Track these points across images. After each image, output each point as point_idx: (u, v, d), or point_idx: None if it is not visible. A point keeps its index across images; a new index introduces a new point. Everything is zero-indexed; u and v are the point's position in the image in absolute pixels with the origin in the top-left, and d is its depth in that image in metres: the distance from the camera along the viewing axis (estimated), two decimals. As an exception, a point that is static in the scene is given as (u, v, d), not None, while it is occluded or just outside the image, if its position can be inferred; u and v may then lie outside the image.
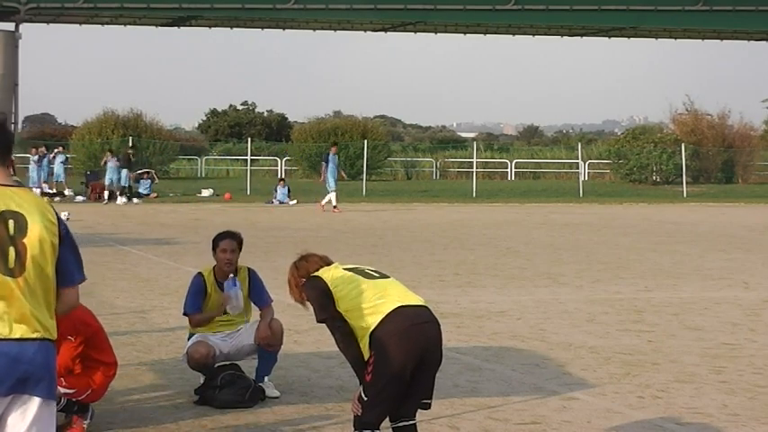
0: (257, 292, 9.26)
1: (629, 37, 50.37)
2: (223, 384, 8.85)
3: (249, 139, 57.37)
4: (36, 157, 42.28)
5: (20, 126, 57.29)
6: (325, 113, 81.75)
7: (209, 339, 9.15)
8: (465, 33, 50.43)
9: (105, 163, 41.56)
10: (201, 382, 9.06)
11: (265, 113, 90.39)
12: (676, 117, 67.18)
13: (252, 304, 9.39)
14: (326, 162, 36.60)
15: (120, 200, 40.13)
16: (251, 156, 54.45)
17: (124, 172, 41.33)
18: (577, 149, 60.29)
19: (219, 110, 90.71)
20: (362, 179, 49.62)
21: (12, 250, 4.61)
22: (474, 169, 53.71)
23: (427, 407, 6.66)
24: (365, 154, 52.18)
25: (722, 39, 50.40)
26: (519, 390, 9.56)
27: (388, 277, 6.81)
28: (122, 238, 24.52)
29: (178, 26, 46.04)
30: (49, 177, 44.65)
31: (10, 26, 39.64)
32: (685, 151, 54.40)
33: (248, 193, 46.71)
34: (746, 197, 49.03)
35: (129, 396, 9.11)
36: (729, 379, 10.08)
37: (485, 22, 46.66)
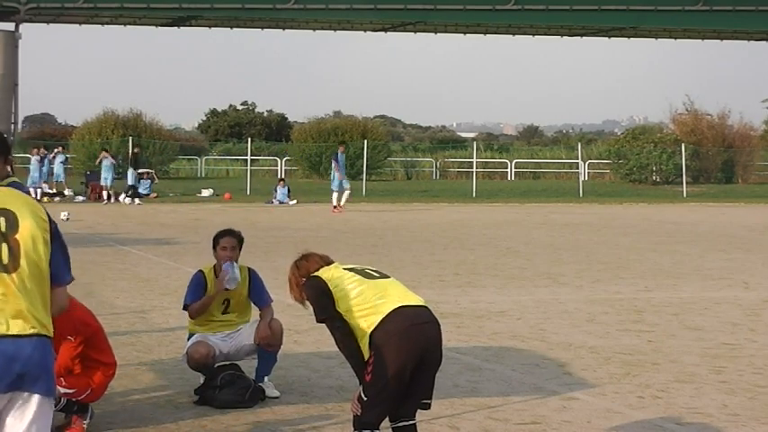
0: (257, 292, 9.27)
1: (629, 37, 50.37)
2: (223, 384, 8.85)
3: (249, 139, 57.38)
4: (38, 158, 42.30)
5: (20, 126, 57.24)
6: (325, 113, 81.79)
7: (209, 340, 9.15)
8: (465, 33, 50.42)
9: (100, 162, 41.60)
10: (201, 382, 9.06)
11: (265, 113, 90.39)
12: (676, 117, 67.21)
13: (252, 304, 9.40)
14: (337, 161, 36.61)
15: (127, 199, 40.17)
16: (251, 156, 54.45)
17: (130, 171, 41.38)
18: (577, 149, 60.32)
19: (219, 110, 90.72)
20: (362, 179, 49.61)
21: (5, 246, 4.61)
22: (474, 169, 53.73)
23: (427, 407, 6.66)
24: (365, 154, 52.17)
25: (722, 39, 50.40)
26: (519, 390, 9.56)
27: (389, 277, 6.81)
28: (122, 238, 24.51)
29: (178, 26, 46.04)
30: (49, 177, 44.67)
31: (10, 26, 39.64)
32: (685, 151, 54.42)
33: (248, 193, 46.72)
34: (746, 197, 49.04)
35: (129, 396, 9.11)
36: (729, 379, 10.08)
37: (485, 22, 46.66)
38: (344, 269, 6.79)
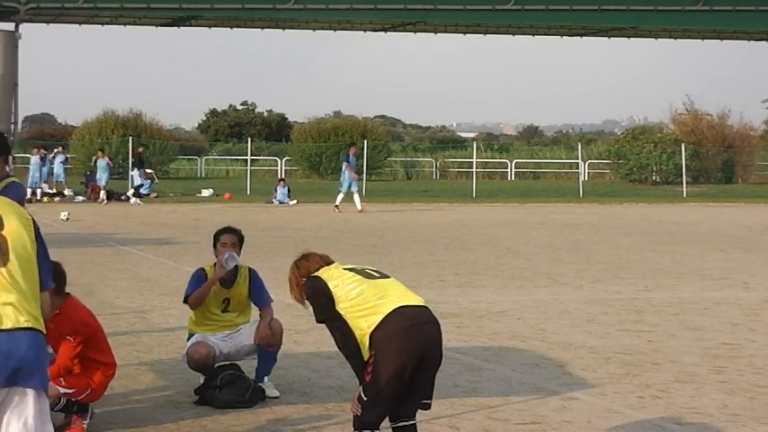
0: (257, 292, 9.27)
1: (629, 37, 50.34)
2: (223, 384, 8.85)
3: (249, 139, 57.39)
4: (38, 158, 42.33)
5: (20, 126, 57.24)
6: (325, 113, 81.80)
7: (209, 340, 9.15)
8: (465, 33, 50.37)
9: (95, 162, 41.62)
10: (201, 382, 9.06)
11: (265, 113, 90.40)
12: (676, 117, 67.23)
13: (252, 305, 9.40)
14: (348, 161, 36.59)
15: (133, 199, 40.22)
16: (251, 156, 54.46)
17: (136, 171, 41.36)
18: (577, 149, 60.32)
19: (219, 110, 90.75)
20: (362, 179, 49.62)
21: None
22: (474, 169, 53.74)
23: (427, 407, 6.66)
24: (365, 154, 52.16)
25: (722, 39, 50.37)
26: (519, 390, 9.56)
27: (389, 277, 6.81)
28: (122, 238, 24.51)
29: (178, 26, 46.02)
30: (49, 177, 44.69)
31: (10, 26, 39.63)
32: (685, 151, 54.42)
33: (248, 193, 46.73)
34: (746, 197, 49.05)
35: (129, 396, 9.11)
36: (729, 379, 10.08)
37: (485, 22, 46.62)
38: (344, 269, 6.80)
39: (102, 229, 27.16)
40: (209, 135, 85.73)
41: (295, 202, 40.92)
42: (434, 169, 70.03)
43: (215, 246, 9.21)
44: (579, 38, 51.92)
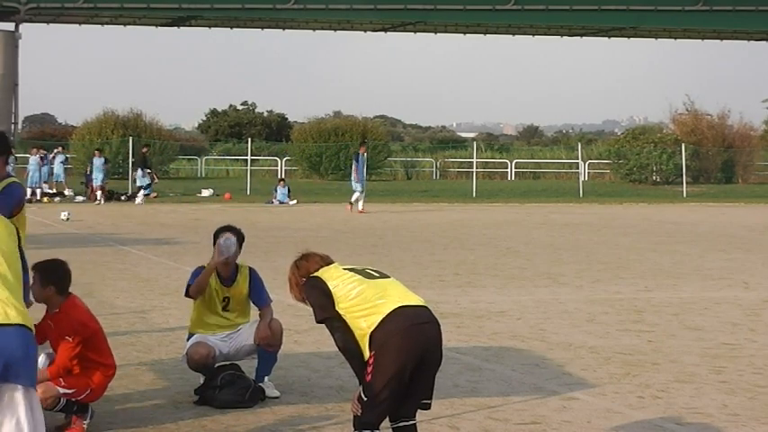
0: (257, 292, 9.27)
1: (629, 37, 50.32)
2: (223, 384, 8.85)
3: (249, 139, 57.39)
4: (37, 158, 42.33)
5: (20, 126, 57.26)
6: (325, 113, 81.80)
7: (209, 340, 9.15)
8: (465, 33, 50.36)
9: (91, 162, 41.65)
10: (201, 382, 9.06)
11: (265, 113, 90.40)
12: (676, 117, 67.25)
13: (252, 305, 9.40)
14: (357, 161, 36.58)
15: (139, 199, 40.24)
16: (251, 156, 54.46)
17: (139, 171, 41.36)
18: (577, 149, 60.32)
19: (219, 110, 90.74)
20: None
21: None
22: (474, 169, 53.74)
23: (427, 407, 6.66)
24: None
25: (722, 39, 50.35)
26: (519, 390, 9.56)
27: (389, 277, 6.81)
28: (122, 238, 24.51)
29: (178, 26, 46.01)
30: (49, 177, 44.71)
31: (10, 26, 39.62)
32: (685, 151, 54.43)
33: (248, 193, 46.73)
34: (746, 197, 49.05)
35: (129, 396, 9.11)
36: (729, 379, 10.09)
37: (485, 22, 46.59)
38: (344, 269, 6.80)
39: (102, 229, 27.16)
40: (209, 135, 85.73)
41: (295, 202, 40.92)
42: (434, 169, 70.04)
43: (215, 244, 9.22)
44: (579, 38, 51.89)
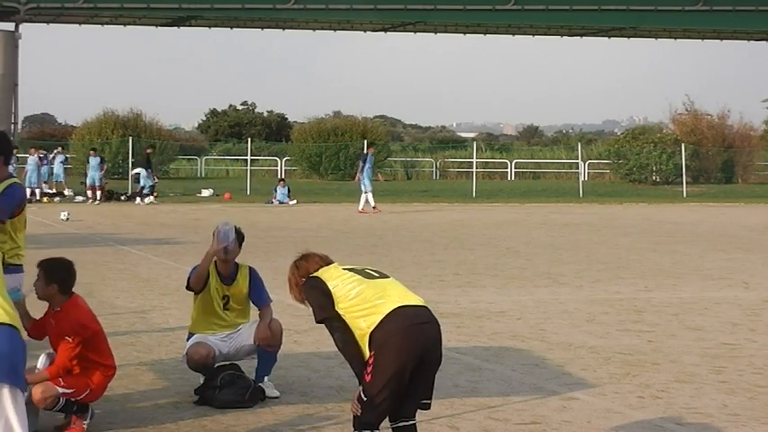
0: (257, 292, 9.27)
1: (629, 37, 50.34)
2: (223, 384, 8.85)
3: (249, 139, 57.39)
4: (35, 158, 42.32)
5: (20, 126, 57.28)
6: (325, 113, 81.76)
7: (209, 340, 9.15)
8: (465, 33, 50.39)
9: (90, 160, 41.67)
10: (201, 382, 9.06)
11: (265, 113, 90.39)
12: (676, 117, 67.24)
13: (251, 305, 9.40)
14: (364, 162, 36.54)
15: (147, 199, 40.26)
16: (251, 156, 54.46)
17: (143, 171, 41.43)
18: (577, 149, 60.32)
19: (219, 110, 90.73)
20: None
21: None
22: (474, 169, 53.73)
23: (427, 407, 6.66)
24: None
25: (722, 39, 50.37)
26: (519, 390, 9.56)
27: (388, 277, 6.80)
28: (122, 238, 24.51)
29: (178, 26, 46.01)
30: (49, 177, 44.70)
31: (10, 26, 39.62)
32: (685, 151, 54.42)
33: (248, 193, 46.73)
34: (746, 197, 49.05)
35: (129, 396, 9.11)
36: (729, 379, 10.09)
37: (485, 22, 46.61)
38: (344, 269, 6.80)
39: (102, 229, 27.16)
40: (209, 135, 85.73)
41: (295, 202, 40.91)
42: (434, 169, 70.03)
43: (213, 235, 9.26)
44: (579, 38, 51.91)
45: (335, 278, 6.69)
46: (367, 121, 67.99)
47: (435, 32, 50.49)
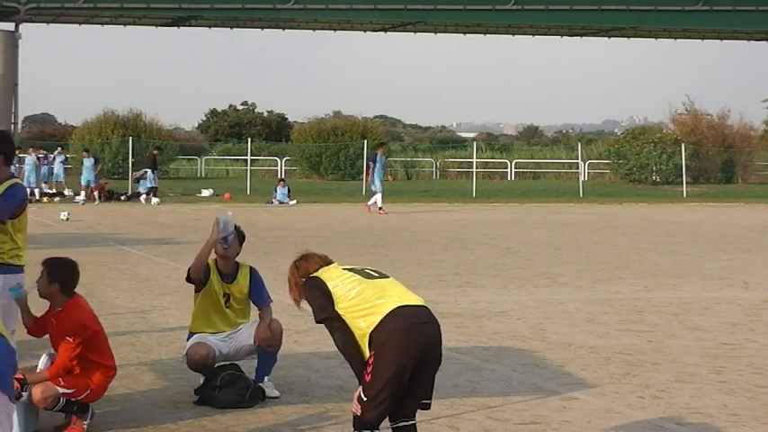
0: (257, 291, 9.28)
1: (629, 37, 50.27)
2: (223, 384, 8.85)
3: (249, 140, 57.39)
4: (34, 158, 42.32)
5: (20, 126, 57.32)
6: (325, 113, 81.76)
7: (209, 340, 9.15)
8: (465, 33, 50.34)
9: (84, 162, 41.70)
10: (201, 382, 9.06)
11: (265, 113, 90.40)
12: (676, 117, 67.25)
13: (251, 305, 9.40)
14: (374, 162, 36.50)
15: (152, 200, 40.30)
16: (251, 156, 54.45)
17: (149, 172, 41.47)
18: (577, 149, 60.32)
19: (219, 110, 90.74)
20: (362, 179, 49.60)
21: None
22: (474, 169, 53.74)
23: (427, 407, 6.66)
24: (365, 154, 52.15)
25: (722, 39, 50.31)
26: (519, 390, 9.56)
27: (388, 277, 6.80)
28: (122, 238, 24.52)
29: (178, 26, 45.95)
30: (49, 177, 44.71)
31: (10, 26, 39.60)
32: (685, 151, 54.42)
33: (248, 193, 46.74)
34: (746, 197, 49.05)
35: (129, 396, 9.11)
36: (729, 379, 10.09)
37: (485, 22, 46.54)
38: (344, 269, 6.80)
39: (102, 229, 27.16)
40: (209, 135, 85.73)
41: (295, 202, 40.92)
42: (434, 169, 70.02)
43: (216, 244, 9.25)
44: (579, 38, 51.85)
45: (335, 278, 6.69)
46: (367, 121, 67.99)
47: (435, 32, 50.46)
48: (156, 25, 47.51)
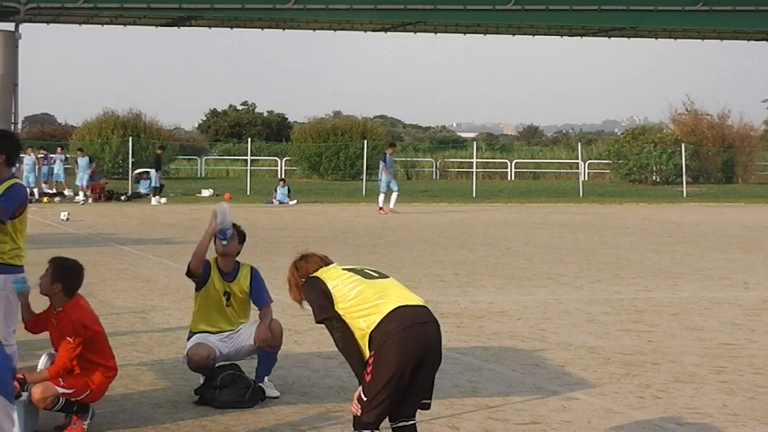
0: (257, 291, 9.28)
1: (629, 37, 50.24)
2: (223, 384, 8.85)
3: (249, 140, 57.41)
4: (32, 157, 42.32)
5: (20, 126, 57.33)
6: (325, 113, 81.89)
7: (209, 341, 9.14)
8: (465, 33, 50.35)
9: (78, 161, 41.72)
10: (201, 382, 9.06)
11: (265, 114, 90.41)
12: (676, 117, 67.28)
13: (251, 305, 9.40)
14: (384, 162, 36.48)
15: (154, 200, 40.29)
16: (251, 156, 54.45)
17: (153, 172, 41.45)
18: (577, 149, 60.32)
19: (219, 110, 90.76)
20: (362, 179, 49.61)
21: None
22: (474, 169, 53.74)
23: (427, 407, 6.66)
24: (365, 154, 52.17)
25: (722, 39, 50.30)
26: (519, 390, 9.56)
27: (388, 277, 6.81)
28: (122, 238, 24.51)
29: (178, 26, 45.93)
30: (50, 177, 44.69)
31: (10, 26, 39.59)
32: (685, 151, 54.43)
33: (248, 193, 46.73)
34: (746, 197, 49.05)
35: (129, 396, 9.11)
36: (729, 379, 10.09)
37: (485, 22, 46.51)
38: (344, 269, 6.80)
39: (102, 229, 27.15)
40: (209, 135, 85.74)
41: (295, 202, 40.92)
42: (434, 169, 70.03)
43: (215, 241, 9.25)
44: (579, 38, 51.84)
45: (335, 278, 6.69)
46: (367, 121, 67.99)
47: (435, 32, 50.44)
48: (156, 25, 47.54)
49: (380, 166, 36.47)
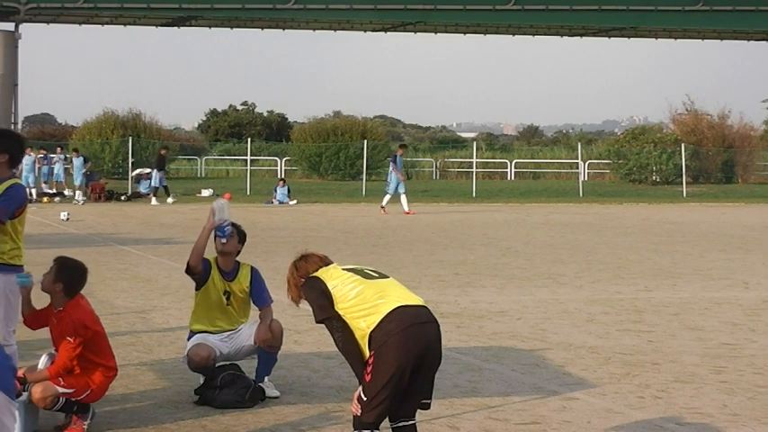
0: (257, 291, 9.27)
1: (629, 37, 50.26)
2: (223, 384, 8.85)
3: (249, 140, 57.40)
4: (32, 157, 42.32)
5: (20, 126, 57.33)
6: (325, 113, 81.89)
7: (209, 341, 9.14)
8: (465, 33, 50.36)
9: (73, 161, 41.72)
10: (201, 382, 9.06)
11: (265, 114, 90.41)
12: (676, 117, 67.29)
13: (251, 305, 9.40)
14: (394, 162, 36.44)
15: (169, 199, 40.31)
16: (251, 156, 54.45)
17: (155, 172, 41.48)
18: (577, 149, 60.32)
19: (219, 110, 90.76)
20: (362, 179, 49.62)
21: None
22: (474, 169, 53.74)
23: (427, 407, 6.66)
24: (365, 154, 52.19)
25: (722, 39, 50.31)
26: (519, 390, 9.56)
27: (388, 277, 6.81)
28: (122, 238, 24.52)
29: (178, 26, 45.94)
30: (50, 177, 44.70)
31: (10, 26, 39.58)
32: (685, 151, 54.43)
33: (248, 193, 46.73)
34: (746, 197, 49.05)
35: (129, 396, 9.11)
36: (729, 379, 10.09)
37: (485, 22, 46.53)
38: (343, 269, 6.80)
39: (102, 229, 27.16)
40: (209, 135, 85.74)
41: (295, 202, 40.92)
42: (434, 169, 70.03)
43: (215, 238, 9.25)
44: (579, 38, 51.85)
45: (335, 278, 6.69)
46: (367, 121, 68.00)
47: (435, 32, 50.44)
48: (156, 25, 47.52)
49: (390, 167, 36.45)
